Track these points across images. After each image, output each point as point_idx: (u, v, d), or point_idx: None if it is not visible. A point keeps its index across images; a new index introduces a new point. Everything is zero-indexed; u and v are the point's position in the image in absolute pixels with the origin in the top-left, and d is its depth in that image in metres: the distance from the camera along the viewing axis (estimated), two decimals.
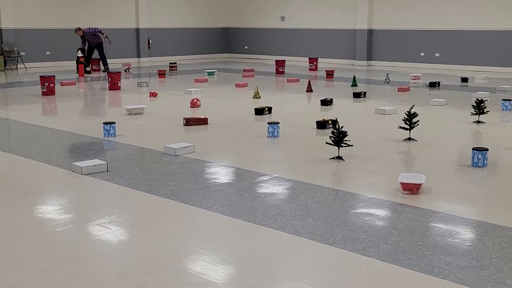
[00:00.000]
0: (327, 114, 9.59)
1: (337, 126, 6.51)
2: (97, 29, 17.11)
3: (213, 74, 16.53)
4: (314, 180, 5.71)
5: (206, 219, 4.66)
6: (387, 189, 5.40)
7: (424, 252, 3.92)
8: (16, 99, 11.73)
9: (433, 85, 13.74)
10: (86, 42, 16.85)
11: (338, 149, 6.55)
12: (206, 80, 15.00)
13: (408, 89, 13.05)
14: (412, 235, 4.24)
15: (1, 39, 17.80)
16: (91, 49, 17.06)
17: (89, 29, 16.96)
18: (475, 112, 8.77)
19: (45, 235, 4.29)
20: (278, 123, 7.90)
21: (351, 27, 20.37)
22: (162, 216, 4.73)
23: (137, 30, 21.26)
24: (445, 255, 3.87)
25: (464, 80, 14.78)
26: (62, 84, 13.68)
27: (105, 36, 17.12)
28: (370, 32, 20.06)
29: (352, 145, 6.59)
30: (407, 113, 7.51)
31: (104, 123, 7.88)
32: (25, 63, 18.06)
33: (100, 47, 17.12)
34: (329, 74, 15.94)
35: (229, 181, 5.80)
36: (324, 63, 19.43)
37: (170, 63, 18.07)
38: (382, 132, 8.22)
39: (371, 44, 20.14)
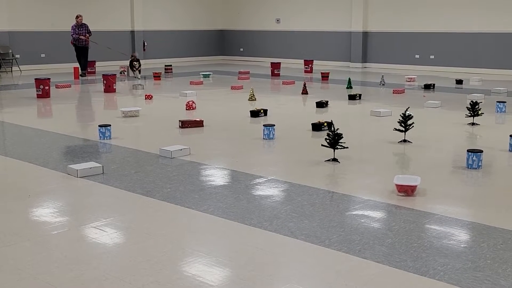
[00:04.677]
0: (323, 116, 9.61)
1: (332, 128, 6.52)
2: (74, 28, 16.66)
3: (208, 77, 16.53)
4: (310, 182, 5.71)
5: (202, 222, 4.66)
6: (382, 191, 5.41)
7: (420, 254, 3.93)
8: (11, 102, 11.70)
9: (428, 87, 13.77)
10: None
11: (334, 151, 6.57)
12: (201, 83, 15.00)
13: (403, 91, 13.08)
14: (408, 237, 4.25)
15: None
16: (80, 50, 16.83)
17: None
18: (469, 114, 8.80)
19: (41, 238, 4.28)
20: (274, 125, 7.91)
21: (346, 30, 20.41)
22: (157, 219, 4.73)
23: (132, 32, 21.25)
24: (440, 257, 3.88)
25: (459, 82, 14.83)
26: (57, 87, 13.66)
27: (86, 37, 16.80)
28: (365, 34, 20.11)
29: (347, 147, 6.60)
30: (402, 115, 7.53)
31: (99, 126, 7.87)
32: (20, 66, 18.02)
33: (86, 49, 16.91)
34: (324, 76, 15.96)
35: (225, 183, 5.81)
36: (320, 65, 19.45)
37: (165, 66, 18.08)
38: (377, 134, 8.24)
39: (366, 46, 20.18)
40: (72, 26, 16.63)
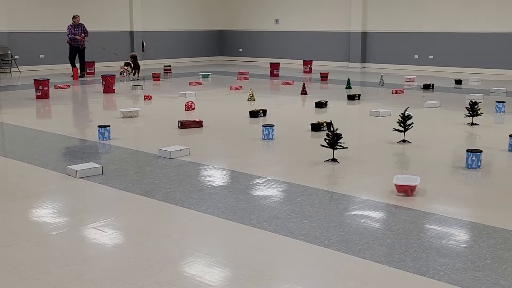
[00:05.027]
0: (322, 116, 9.61)
1: (331, 128, 6.52)
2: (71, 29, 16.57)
3: (207, 77, 16.53)
4: (309, 182, 5.72)
5: (202, 222, 4.66)
6: (382, 191, 5.42)
7: (419, 254, 3.93)
8: (10, 103, 11.70)
9: (427, 87, 13.78)
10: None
11: (333, 151, 6.57)
12: (200, 83, 15.00)
13: (402, 91, 13.08)
14: (407, 237, 4.25)
15: None
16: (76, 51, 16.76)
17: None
18: (469, 114, 8.80)
19: (41, 238, 4.28)
20: (273, 125, 7.91)
21: (345, 30, 20.42)
22: (157, 219, 4.73)
23: (131, 33, 21.25)
24: (440, 257, 3.88)
25: (458, 82, 14.83)
26: (56, 88, 13.66)
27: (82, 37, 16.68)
28: (364, 34, 20.12)
29: (346, 147, 6.61)
30: (401, 115, 7.54)
31: (98, 126, 7.87)
32: (19, 67, 18.01)
33: (82, 50, 16.81)
34: (324, 77, 15.97)
35: (224, 183, 5.81)
36: (319, 66, 19.46)
37: (164, 66, 18.07)
38: (377, 134, 8.24)
39: (365, 46, 20.19)
40: (68, 26, 16.59)
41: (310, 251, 4.02)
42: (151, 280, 3.54)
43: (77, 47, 16.68)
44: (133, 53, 16.37)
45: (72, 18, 16.67)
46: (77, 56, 16.82)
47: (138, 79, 15.71)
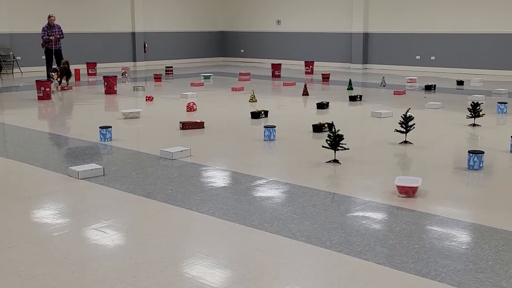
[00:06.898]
0: (323, 117, 9.61)
1: (333, 129, 6.52)
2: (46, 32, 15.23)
3: (209, 78, 16.54)
4: (311, 183, 5.71)
5: (203, 223, 4.66)
6: (383, 192, 5.41)
7: (421, 255, 3.93)
8: (12, 104, 11.71)
9: (428, 88, 13.77)
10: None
11: (335, 152, 6.57)
12: (202, 84, 15.01)
13: (404, 92, 13.08)
14: (409, 238, 4.25)
15: None
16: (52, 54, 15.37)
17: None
18: (470, 115, 8.79)
19: (42, 239, 4.28)
20: (275, 126, 7.91)
21: (347, 31, 20.42)
22: (159, 220, 4.73)
23: (133, 34, 21.27)
24: (442, 258, 3.88)
25: (460, 83, 14.83)
26: (58, 89, 13.66)
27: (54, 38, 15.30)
28: (366, 35, 20.11)
29: (348, 149, 6.60)
30: (403, 116, 7.53)
31: (100, 127, 7.87)
32: (21, 68, 18.03)
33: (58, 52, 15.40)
34: (325, 78, 15.96)
35: (226, 185, 5.81)
36: (320, 67, 19.46)
37: (166, 67, 18.08)
38: (378, 135, 8.23)
39: (367, 47, 20.18)
40: (43, 27, 15.29)
41: (311, 253, 4.02)
42: (152, 281, 3.54)
43: (53, 50, 15.21)
44: (64, 59, 14.61)
45: (48, 18, 15.26)
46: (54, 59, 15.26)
47: (65, 88, 13.98)
